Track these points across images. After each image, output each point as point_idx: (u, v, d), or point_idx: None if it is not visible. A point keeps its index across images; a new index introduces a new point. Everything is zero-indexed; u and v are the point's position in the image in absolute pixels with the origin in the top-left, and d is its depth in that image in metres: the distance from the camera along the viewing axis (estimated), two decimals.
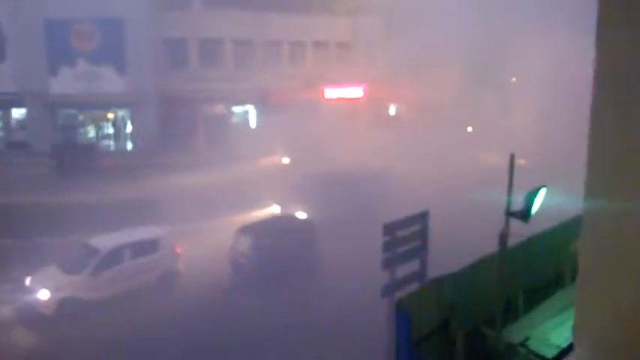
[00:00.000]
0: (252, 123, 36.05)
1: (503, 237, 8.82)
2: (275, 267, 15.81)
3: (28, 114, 33.66)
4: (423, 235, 10.77)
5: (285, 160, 27.93)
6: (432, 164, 24.83)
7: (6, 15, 32.16)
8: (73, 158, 29.46)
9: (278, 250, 16.44)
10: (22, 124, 34.76)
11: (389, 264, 9.83)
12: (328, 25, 36.09)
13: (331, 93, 36.99)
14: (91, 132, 35.13)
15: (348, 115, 34.50)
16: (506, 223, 8.76)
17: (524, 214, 8.40)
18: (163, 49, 32.98)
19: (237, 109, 36.18)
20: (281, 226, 18.24)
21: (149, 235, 17.02)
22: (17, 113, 34.87)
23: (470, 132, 33.99)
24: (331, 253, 16.96)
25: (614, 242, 1.69)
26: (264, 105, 34.35)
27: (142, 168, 27.04)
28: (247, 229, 17.32)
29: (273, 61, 35.58)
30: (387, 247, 9.88)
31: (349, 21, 35.55)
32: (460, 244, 13.65)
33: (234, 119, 36.11)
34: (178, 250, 17.25)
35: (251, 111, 36.03)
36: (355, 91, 37.60)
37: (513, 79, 37.23)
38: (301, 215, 20.32)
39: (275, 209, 21.96)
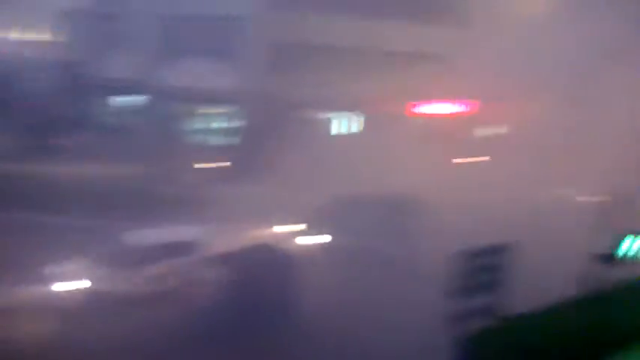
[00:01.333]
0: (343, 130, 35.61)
1: (594, 281, 8.06)
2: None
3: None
4: (501, 267, 10.10)
5: None
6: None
7: None
8: None
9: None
10: None
11: (463, 294, 9.28)
12: (425, 35, 34.60)
13: (430, 108, 35.69)
14: None
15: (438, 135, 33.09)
16: (602, 267, 8.01)
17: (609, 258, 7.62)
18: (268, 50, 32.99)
19: (330, 115, 35.71)
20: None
21: (185, 235, 16.19)
22: None
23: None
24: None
25: None
26: (354, 114, 33.83)
27: None
28: None
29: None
30: (462, 275, 9.32)
31: (452, 31, 34.09)
32: None
33: (325, 126, 35.54)
34: (211, 254, 16.06)
35: (346, 119, 35.50)
36: (456, 108, 36.14)
37: None
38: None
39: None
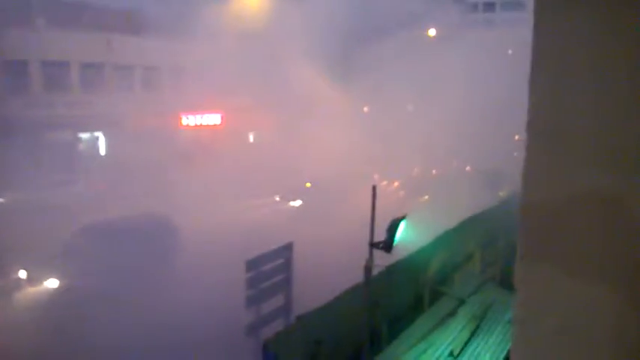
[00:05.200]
0: (103, 150, 34.04)
1: (367, 268, 8.81)
2: None
3: None
4: (286, 268, 10.53)
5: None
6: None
7: None
8: None
9: None
10: None
11: (253, 301, 9.44)
12: (184, 50, 35.01)
13: (188, 120, 36.06)
14: None
15: (204, 143, 33.83)
16: (370, 253, 8.78)
17: (388, 245, 8.46)
18: (1, 70, 30.14)
19: (85, 135, 33.92)
20: None
21: None
22: None
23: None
24: None
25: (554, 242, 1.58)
26: (115, 131, 32.59)
27: None
28: None
29: (126, 85, 34.00)
30: (251, 283, 9.49)
31: (205, 45, 34.77)
32: None
33: (82, 146, 33.77)
34: None
35: (101, 138, 34.00)
36: (213, 118, 36.98)
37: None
38: None
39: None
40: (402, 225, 8.40)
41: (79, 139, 33.56)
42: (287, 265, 10.32)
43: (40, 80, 31.47)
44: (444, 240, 13.34)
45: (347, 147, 30.37)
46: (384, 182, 30.39)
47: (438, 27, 45.07)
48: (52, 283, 16.90)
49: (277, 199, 29.23)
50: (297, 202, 28.46)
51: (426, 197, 29.25)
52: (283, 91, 33.11)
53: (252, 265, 9.66)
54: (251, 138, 41.24)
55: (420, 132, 32.09)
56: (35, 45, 30.33)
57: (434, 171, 35.37)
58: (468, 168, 35.47)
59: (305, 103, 33.22)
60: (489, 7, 62.77)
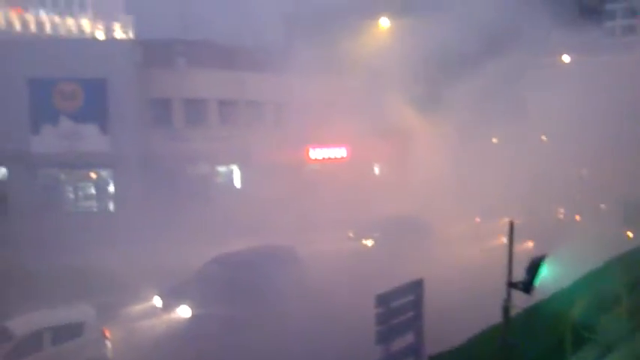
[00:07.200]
0: (237, 183, 35.66)
1: (505, 309, 8.35)
2: None
3: (9, 173, 32.89)
4: (417, 305, 10.23)
5: None
6: None
7: None
8: None
9: None
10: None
11: (383, 338, 9.24)
12: (310, 85, 35.90)
13: (316, 153, 36.86)
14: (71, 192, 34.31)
15: (331, 176, 34.38)
16: (508, 294, 8.32)
17: (527, 286, 7.96)
18: (147, 108, 32.83)
19: (222, 169, 35.83)
20: None
21: (73, 316, 14.85)
22: None
23: None
24: None
25: None
26: (248, 165, 34.10)
27: None
28: None
29: (257, 121, 35.50)
30: (381, 319, 9.31)
31: (332, 80, 35.60)
32: None
33: (219, 179, 35.65)
34: (107, 333, 15.18)
35: (236, 171, 35.69)
36: (339, 151, 37.52)
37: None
38: None
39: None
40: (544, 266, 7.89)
41: (217, 172, 35.51)
42: (417, 302, 10.03)
43: (182, 116, 33.82)
44: (589, 281, 12.40)
45: (460, 180, 29.48)
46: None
47: (569, 53, 42.72)
48: (184, 311, 17.60)
49: (350, 235, 27.64)
50: (370, 242, 26.75)
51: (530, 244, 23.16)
52: (401, 124, 33.13)
53: (382, 300, 9.49)
54: (376, 170, 41.30)
55: (548, 166, 30.32)
56: (177, 84, 32.82)
57: (561, 214, 32.36)
58: (602, 206, 32.44)
59: (422, 134, 32.95)
60: (629, 30, 58.60)
